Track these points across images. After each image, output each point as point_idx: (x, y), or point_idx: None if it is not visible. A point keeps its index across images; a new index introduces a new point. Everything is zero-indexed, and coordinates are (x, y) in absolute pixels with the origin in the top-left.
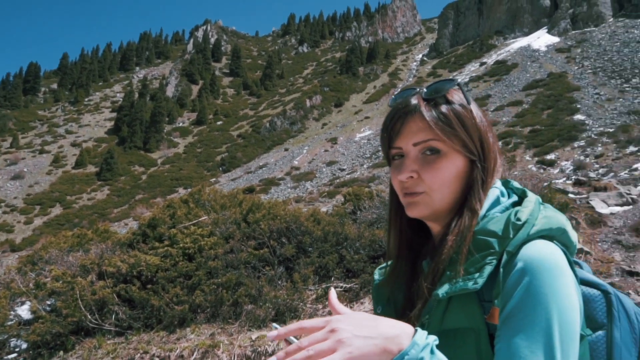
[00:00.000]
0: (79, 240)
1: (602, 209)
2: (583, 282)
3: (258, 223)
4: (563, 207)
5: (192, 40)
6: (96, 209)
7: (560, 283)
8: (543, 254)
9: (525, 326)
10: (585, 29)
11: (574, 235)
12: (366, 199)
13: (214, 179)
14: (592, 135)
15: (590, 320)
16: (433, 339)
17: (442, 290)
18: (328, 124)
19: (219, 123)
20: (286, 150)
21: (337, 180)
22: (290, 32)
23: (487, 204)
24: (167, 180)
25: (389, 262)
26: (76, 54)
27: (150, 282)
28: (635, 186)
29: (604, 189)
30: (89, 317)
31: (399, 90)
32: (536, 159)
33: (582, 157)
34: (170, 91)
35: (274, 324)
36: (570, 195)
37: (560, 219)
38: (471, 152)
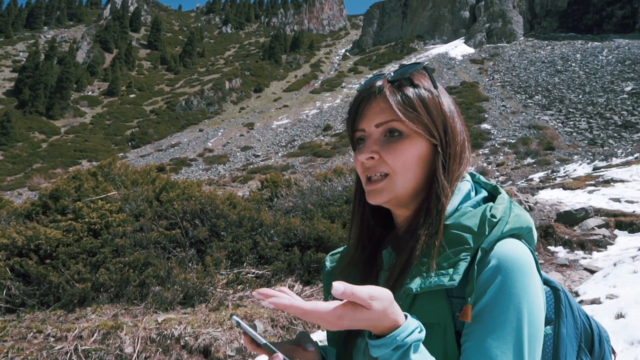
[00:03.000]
0: None
1: None
2: None
3: (171, 202)
4: None
5: (109, 6)
6: None
7: (531, 282)
8: (516, 253)
9: (497, 325)
10: (499, 44)
11: (535, 235)
12: (284, 186)
13: (121, 154)
14: (496, 145)
15: None
16: (414, 339)
17: (415, 284)
18: (246, 109)
19: (131, 96)
20: (201, 131)
21: (251, 166)
22: (215, 10)
23: (459, 197)
24: (70, 151)
25: (342, 249)
26: None
27: (49, 257)
28: (533, 195)
29: None
30: None
31: (320, 80)
32: None
33: (485, 164)
34: (81, 57)
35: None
36: None
37: (528, 219)
38: (433, 136)
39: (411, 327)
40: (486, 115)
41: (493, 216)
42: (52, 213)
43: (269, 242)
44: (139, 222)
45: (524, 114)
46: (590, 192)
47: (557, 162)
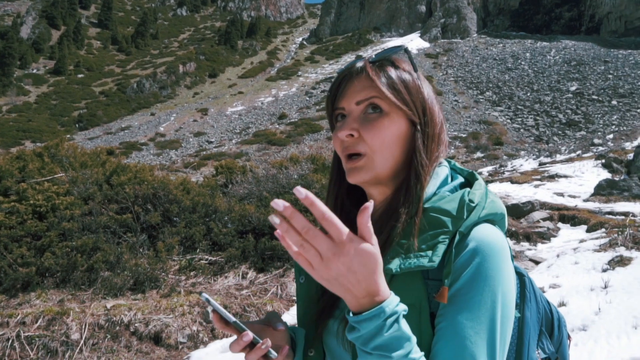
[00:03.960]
0: None
1: None
2: None
3: (122, 186)
4: None
5: None
6: None
7: (505, 266)
8: (492, 237)
9: (473, 306)
10: (453, 40)
11: (507, 222)
12: (239, 173)
13: (68, 136)
14: (448, 139)
15: None
16: (402, 308)
17: (394, 265)
18: (200, 94)
19: (80, 76)
20: (152, 115)
21: (204, 153)
22: None
23: (437, 181)
24: (13, 130)
25: None
26: None
27: None
28: None
29: None
30: None
31: (276, 68)
32: None
33: None
34: (25, 32)
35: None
36: None
37: (502, 205)
38: (414, 114)
39: (396, 298)
40: None
41: (471, 201)
42: None
43: (223, 229)
44: (88, 205)
45: (475, 109)
46: (536, 186)
47: (505, 157)
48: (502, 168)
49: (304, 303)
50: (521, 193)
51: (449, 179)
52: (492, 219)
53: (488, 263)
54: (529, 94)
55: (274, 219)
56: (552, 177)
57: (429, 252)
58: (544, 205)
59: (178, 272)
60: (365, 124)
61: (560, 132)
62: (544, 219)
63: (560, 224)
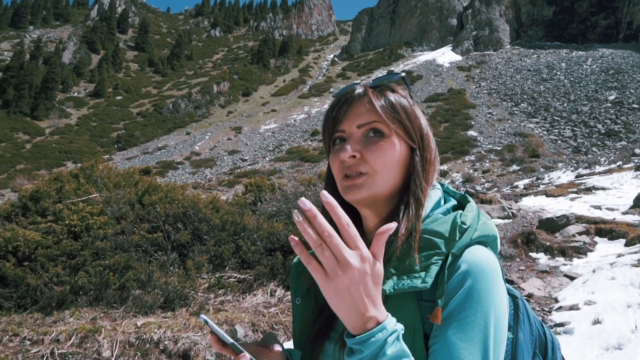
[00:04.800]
0: None
1: None
2: None
3: (154, 206)
4: None
5: (97, 7)
6: None
7: (497, 288)
8: (484, 259)
9: (465, 326)
10: (485, 52)
11: (499, 243)
12: (267, 191)
13: (107, 156)
14: (482, 152)
15: None
16: (400, 327)
17: (388, 286)
18: (234, 112)
19: (118, 98)
20: (188, 134)
21: (238, 170)
22: (204, 13)
23: (430, 204)
24: (55, 152)
25: (312, 251)
26: None
27: (27, 259)
28: (516, 202)
29: (489, 202)
30: None
31: (308, 85)
32: None
33: (471, 171)
34: (67, 57)
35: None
36: None
37: (494, 227)
38: (412, 140)
39: (393, 318)
40: (473, 122)
41: (463, 223)
42: (32, 215)
43: (252, 247)
44: (121, 224)
45: (509, 121)
46: (572, 199)
47: (542, 170)
48: (539, 181)
49: (300, 325)
50: (556, 206)
51: (442, 202)
52: (484, 241)
53: (480, 284)
54: (565, 105)
55: (297, 216)
56: (589, 190)
57: (422, 274)
58: (580, 219)
59: (207, 290)
60: (368, 145)
61: (599, 142)
62: (580, 233)
63: (597, 238)
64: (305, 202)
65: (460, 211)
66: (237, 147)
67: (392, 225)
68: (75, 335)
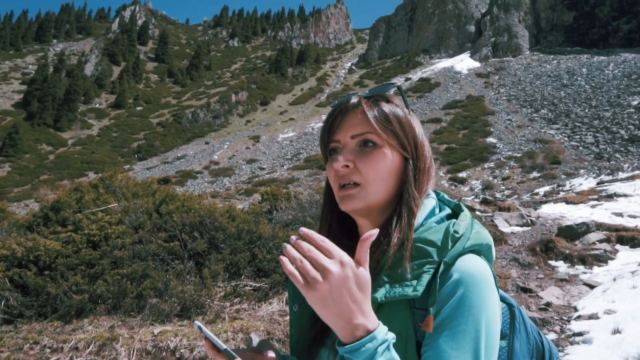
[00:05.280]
0: None
1: (504, 227)
2: None
3: (171, 215)
4: None
5: (117, 20)
6: None
7: (489, 296)
8: (477, 268)
9: (456, 335)
10: (504, 58)
11: (494, 253)
12: (283, 199)
13: (128, 166)
14: (502, 159)
15: None
16: (392, 336)
17: (380, 294)
18: (252, 122)
19: (138, 108)
20: (207, 143)
21: (256, 179)
22: (222, 24)
23: (424, 213)
24: (77, 162)
25: None
26: None
27: (48, 268)
28: (535, 209)
29: (508, 209)
30: None
31: (325, 94)
32: (449, 175)
33: (490, 178)
34: (89, 70)
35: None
36: (477, 213)
37: (488, 236)
38: (405, 149)
39: (385, 327)
40: (492, 129)
41: (456, 232)
42: (53, 224)
43: (267, 255)
44: (138, 234)
45: (529, 127)
46: (593, 206)
47: (563, 176)
48: (560, 188)
49: (297, 331)
50: (576, 214)
51: (436, 210)
52: (478, 250)
53: (471, 293)
54: (587, 110)
55: (285, 245)
56: (611, 197)
57: (414, 282)
58: (600, 226)
59: (223, 298)
60: (361, 156)
61: (622, 148)
62: (600, 241)
63: (618, 246)
64: (303, 229)
65: (454, 220)
66: (255, 156)
67: (374, 232)
68: (94, 343)
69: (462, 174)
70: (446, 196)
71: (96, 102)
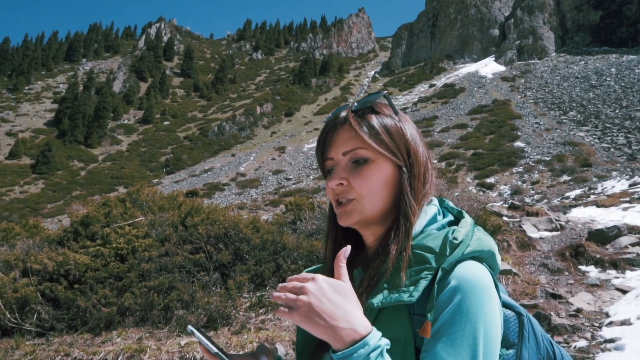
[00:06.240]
0: (5, 235)
1: (532, 233)
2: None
3: (196, 227)
4: (495, 229)
5: (144, 37)
6: (28, 202)
7: (488, 303)
8: (475, 275)
9: (454, 341)
10: (530, 61)
11: (499, 259)
12: (307, 209)
13: (156, 180)
14: (530, 163)
15: (503, 340)
16: (385, 342)
17: (377, 300)
18: (277, 133)
19: (165, 123)
20: (233, 155)
21: (283, 190)
22: (246, 37)
23: (424, 220)
24: (108, 178)
25: (317, 267)
26: (19, 40)
27: (78, 282)
28: (565, 213)
29: (536, 214)
30: (8, 315)
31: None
32: (477, 181)
33: (519, 183)
34: (117, 86)
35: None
36: (505, 219)
37: (491, 243)
38: (398, 158)
39: (378, 333)
40: (519, 133)
41: (455, 238)
42: (82, 239)
43: (292, 265)
44: (165, 246)
45: (558, 130)
46: (625, 209)
47: (594, 179)
48: (591, 191)
49: (303, 337)
50: (607, 217)
51: (438, 217)
52: (479, 256)
53: (469, 300)
54: (617, 111)
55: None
56: None
57: (411, 288)
58: (632, 230)
59: (248, 309)
60: (353, 173)
61: None
62: (633, 244)
63: None
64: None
65: (454, 227)
66: (281, 167)
67: (346, 250)
68: (122, 355)
69: (490, 180)
70: (450, 203)
71: (125, 118)
